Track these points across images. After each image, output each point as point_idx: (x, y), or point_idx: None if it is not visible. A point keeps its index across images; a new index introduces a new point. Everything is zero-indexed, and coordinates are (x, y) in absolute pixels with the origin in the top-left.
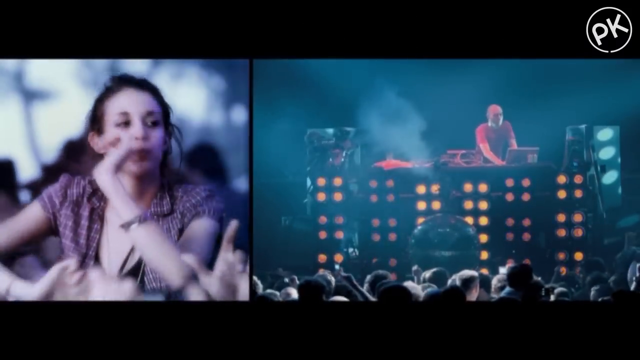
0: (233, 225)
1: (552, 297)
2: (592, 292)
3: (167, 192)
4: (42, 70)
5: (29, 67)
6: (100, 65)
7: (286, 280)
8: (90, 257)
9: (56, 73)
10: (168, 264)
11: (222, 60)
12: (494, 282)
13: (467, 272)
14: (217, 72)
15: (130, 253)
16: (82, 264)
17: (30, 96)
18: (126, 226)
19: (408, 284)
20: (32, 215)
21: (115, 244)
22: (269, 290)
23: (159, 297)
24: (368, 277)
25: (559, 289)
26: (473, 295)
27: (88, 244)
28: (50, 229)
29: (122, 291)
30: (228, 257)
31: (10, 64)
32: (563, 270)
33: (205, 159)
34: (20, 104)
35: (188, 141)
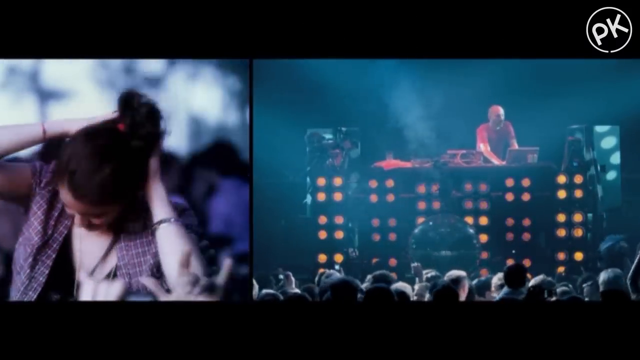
0: (186, 250)
1: (555, 297)
2: (585, 289)
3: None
4: (57, 71)
5: (44, 68)
6: (116, 66)
7: (281, 277)
8: (52, 248)
9: (71, 73)
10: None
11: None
12: (494, 280)
13: (455, 272)
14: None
15: (103, 258)
16: (42, 249)
17: (45, 96)
18: (158, 224)
19: (399, 284)
20: (21, 168)
21: (88, 247)
22: (268, 291)
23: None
24: (368, 277)
25: (561, 289)
26: (461, 295)
27: (54, 235)
28: (27, 194)
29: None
30: (182, 280)
31: (25, 64)
32: (561, 269)
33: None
34: (35, 104)
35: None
